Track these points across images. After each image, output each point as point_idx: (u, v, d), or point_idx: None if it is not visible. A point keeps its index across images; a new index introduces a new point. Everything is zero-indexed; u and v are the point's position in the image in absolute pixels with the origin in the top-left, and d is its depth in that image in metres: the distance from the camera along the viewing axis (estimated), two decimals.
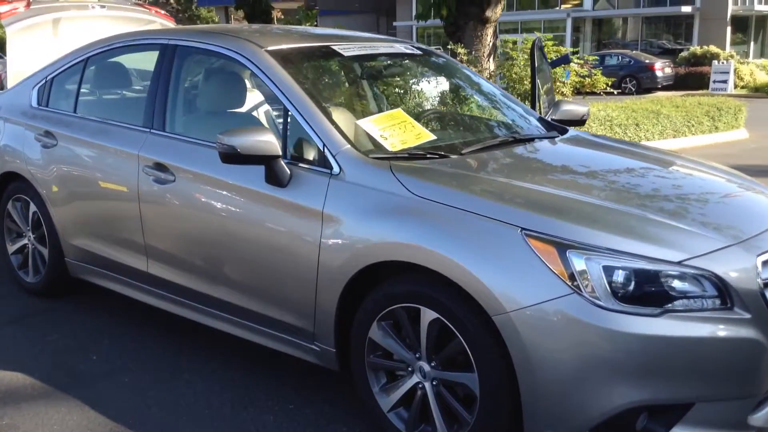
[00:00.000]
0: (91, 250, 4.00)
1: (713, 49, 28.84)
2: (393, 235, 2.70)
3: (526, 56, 10.27)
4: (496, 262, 2.46)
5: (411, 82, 3.87)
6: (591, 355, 2.32)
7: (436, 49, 5.47)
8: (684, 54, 29.79)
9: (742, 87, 25.49)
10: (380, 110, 3.44)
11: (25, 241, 4.50)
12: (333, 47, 3.66)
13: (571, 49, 16.56)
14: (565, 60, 7.94)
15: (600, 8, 37.24)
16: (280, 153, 2.99)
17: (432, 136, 3.27)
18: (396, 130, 3.22)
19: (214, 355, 3.65)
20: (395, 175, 2.83)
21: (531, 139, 3.54)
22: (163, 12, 6.10)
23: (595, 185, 3.09)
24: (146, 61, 4.63)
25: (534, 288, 2.38)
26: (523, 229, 2.46)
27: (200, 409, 3.17)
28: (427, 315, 2.63)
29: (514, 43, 12.37)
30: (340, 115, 3.23)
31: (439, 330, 2.62)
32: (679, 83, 26.83)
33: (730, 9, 33.44)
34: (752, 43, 36.25)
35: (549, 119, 3.91)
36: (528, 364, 2.38)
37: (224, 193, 3.26)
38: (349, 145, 3.00)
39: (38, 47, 5.42)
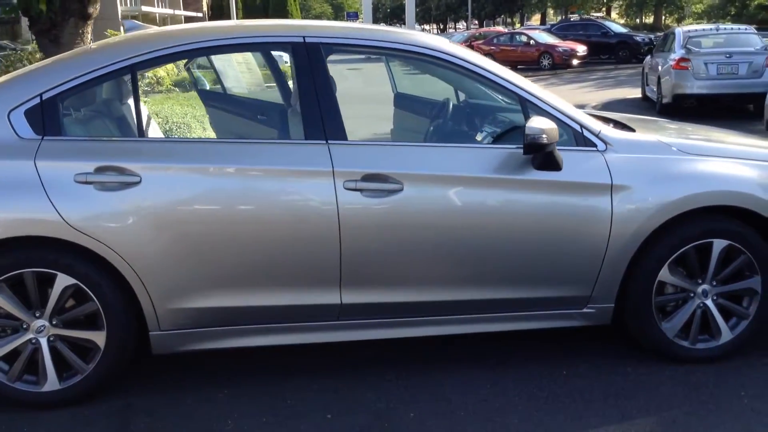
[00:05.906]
0: (227, 305, 3.11)
1: None
2: (697, 187, 3.32)
3: None
4: None
5: None
6: None
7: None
8: None
9: None
10: None
11: (28, 336, 3.06)
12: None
13: None
14: None
15: None
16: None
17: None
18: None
19: (448, 367, 3.46)
20: (665, 142, 3.43)
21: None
22: None
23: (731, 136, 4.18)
24: None
25: None
26: None
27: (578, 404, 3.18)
28: (719, 245, 3.38)
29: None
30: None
31: (726, 254, 3.41)
32: None
33: (120, 10, 35.74)
34: None
35: None
36: None
37: (483, 189, 3.21)
38: (603, 124, 3.41)
39: None
